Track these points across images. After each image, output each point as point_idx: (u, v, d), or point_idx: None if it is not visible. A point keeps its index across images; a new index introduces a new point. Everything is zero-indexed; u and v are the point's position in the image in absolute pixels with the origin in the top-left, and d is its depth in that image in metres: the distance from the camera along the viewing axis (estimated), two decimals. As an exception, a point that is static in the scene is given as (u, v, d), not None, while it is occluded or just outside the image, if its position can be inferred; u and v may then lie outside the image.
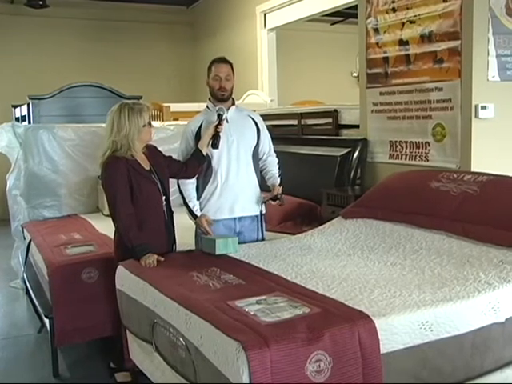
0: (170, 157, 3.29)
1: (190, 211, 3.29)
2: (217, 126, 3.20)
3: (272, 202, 3.36)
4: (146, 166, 3.08)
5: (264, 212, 3.43)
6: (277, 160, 3.49)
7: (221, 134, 3.20)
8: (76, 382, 3.33)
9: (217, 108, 3.25)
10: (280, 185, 3.40)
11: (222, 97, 3.28)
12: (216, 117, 3.23)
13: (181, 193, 3.34)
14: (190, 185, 3.31)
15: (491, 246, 2.66)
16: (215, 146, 3.20)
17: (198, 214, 3.28)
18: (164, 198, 3.12)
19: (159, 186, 3.09)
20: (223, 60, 3.31)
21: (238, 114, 3.38)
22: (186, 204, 3.31)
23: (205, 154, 3.24)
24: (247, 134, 3.35)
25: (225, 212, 3.31)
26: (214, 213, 3.30)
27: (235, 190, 3.30)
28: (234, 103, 3.37)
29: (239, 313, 2.10)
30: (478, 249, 2.68)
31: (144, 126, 3.01)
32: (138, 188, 2.98)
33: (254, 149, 3.37)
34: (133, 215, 2.95)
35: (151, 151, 3.15)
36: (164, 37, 9.83)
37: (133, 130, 2.97)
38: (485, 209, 2.84)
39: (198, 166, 3.26)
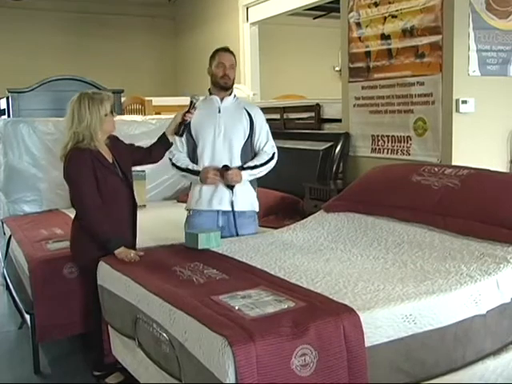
0: (132, 144, 3.26)
1: (191, 172, 3.23)
2: (185, 114, 3.17)
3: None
4: (109, 158, 3.03)
5: (251, 209, 3.33)
6: (267, 157, 3.27)
7: (190, 119, 3.16)
8: (57, 382, 3.29)
9: (192, 94, 3.23)
10: (239, 169, 3.18)
11: (225, 85, 3.24)
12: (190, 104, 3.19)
13: (175, 166, 3.28)
14: (178, 154, 3.28)
15: (472, 239, 2.69)
16: (177, 133, 3.19)
17: (199, 168, 3.21)
18: (128, 191, 3.08)
19: (123, 179, 3.05)
20: (227, 49, 3.30)
21: (234, 106, 3.32)
22: (185, 170, 3.26)
23: (171, 140, 3.22)
24: (237, 128, 3.25)
25: (204, 204, 3.25)
26: (195, 203, 3.27)
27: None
28: (231, 94, 3.32)
29: (224, 308, 2.09)
30: (460, 242, 2.71)
31: (106, 115, 2.95)
32: (103, 180, 2.92)
33: (245, 143, 3.26)
34: (102, 208, 2.90)
35: (113, 142, 3.08)
36: (146, 30, 9.71)
37: (94, 120, 2.91)
38: (465, 202, 2.87)
39: (163, 150, 3.25)
